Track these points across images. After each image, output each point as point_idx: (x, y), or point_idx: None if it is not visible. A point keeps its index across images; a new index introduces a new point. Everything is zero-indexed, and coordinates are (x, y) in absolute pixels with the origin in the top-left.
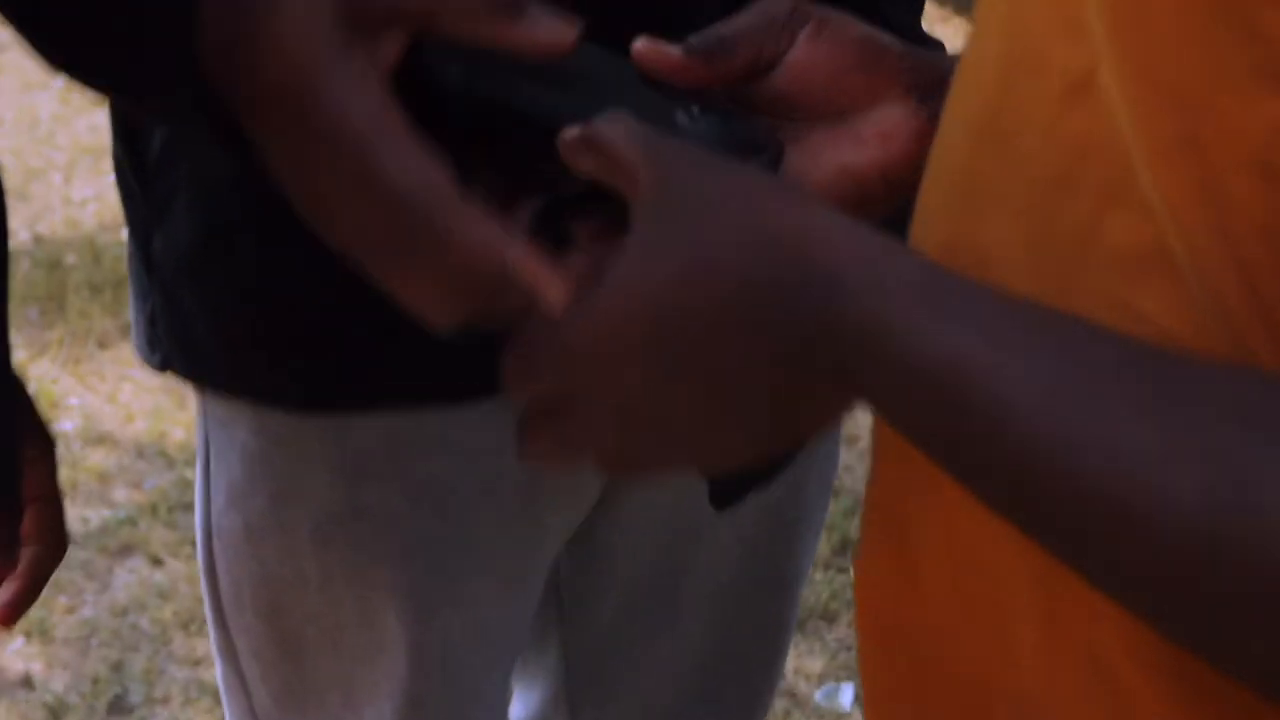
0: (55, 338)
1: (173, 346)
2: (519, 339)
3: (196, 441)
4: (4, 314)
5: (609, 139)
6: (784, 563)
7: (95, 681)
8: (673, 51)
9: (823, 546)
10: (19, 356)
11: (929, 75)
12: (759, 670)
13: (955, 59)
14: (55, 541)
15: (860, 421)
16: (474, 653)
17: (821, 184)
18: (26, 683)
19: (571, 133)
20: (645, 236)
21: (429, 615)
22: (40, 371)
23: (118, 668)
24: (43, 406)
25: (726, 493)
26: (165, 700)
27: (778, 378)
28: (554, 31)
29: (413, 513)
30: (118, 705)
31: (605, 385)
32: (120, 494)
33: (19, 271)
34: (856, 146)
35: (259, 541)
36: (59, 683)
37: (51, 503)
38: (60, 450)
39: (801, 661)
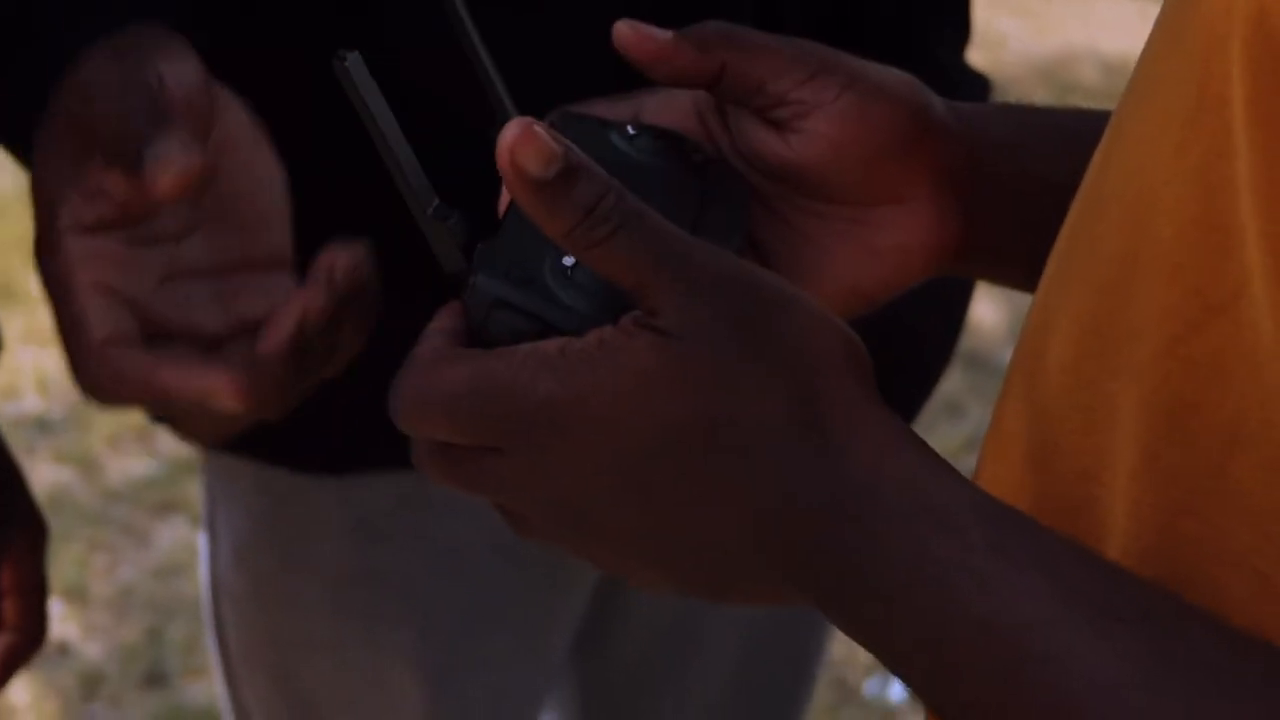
0: None
1: None
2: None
3: (200, 493)
4: None
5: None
6: None
7: (131, 650)
8: (658, 35)
9: None
10: None
11: (970, 157)
12: (789, 699)
13: (1002, 113)
14: (34, 632)
15: None
16: (494, 715)
17: (825, 297)
18: (62, 650)
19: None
20: (672, 327)
21: (446, 679)
22: None
23: (155, 635)
24: None
25: None
26: (202, 671)
27: (730, 545)
28: (179, 165)
29: (426, 575)
30: (153, 676)
31: (553, 460)
32: (163, 446)
33: None
34: (871, 262)
35: (268, 601)
36: (95, 650)
37: (34, 594)
38: None
39: (850, 652)
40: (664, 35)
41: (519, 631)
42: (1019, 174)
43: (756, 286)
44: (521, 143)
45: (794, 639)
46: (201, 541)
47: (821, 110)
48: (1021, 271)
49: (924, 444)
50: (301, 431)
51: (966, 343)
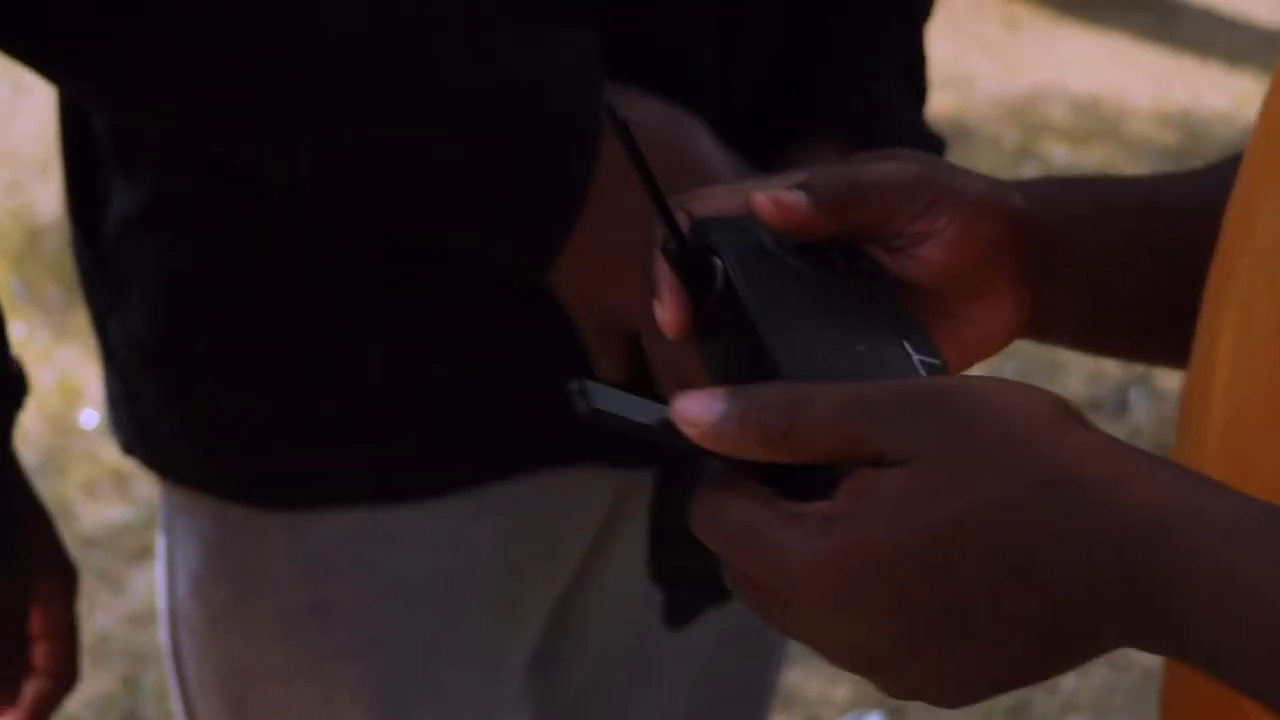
0: (77, 322)
1: (133, 433)
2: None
3: (159, 522)
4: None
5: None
6: (759, 632)
7: (108, 697)
8: (797, 204)
9: None
10: (42, 337)
11: (1043, 243)
12: None
13: (1060, 189)
14: (66, 676)
15: None
16: None
17: None
18: None
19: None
20: (915, 477)
21: (398, 713)
22: (64, 358)
23: (131, 683)
24: (61, 397)
25: (682, 612)
26: None
27: (1047, 629)
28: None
29: (377, 608)
30: None
31: (835, 618)
32: (140, 492)
33: (46, 249)
34: (956, 352)
35: (223, 631)
36: (71, 697)
37: (66, 637)
38: (78, 445)
39: (825, 688)
40: (800, 203)
41: (473, 664)
42: (1076, 246)
43: (941, 390)
44: (692, 415)
45: (745, 667)
46: (159, 573)
47: (934, 239)
48: (1073, 331)
49: (1165, 460)
50: (256, 467)
51: None
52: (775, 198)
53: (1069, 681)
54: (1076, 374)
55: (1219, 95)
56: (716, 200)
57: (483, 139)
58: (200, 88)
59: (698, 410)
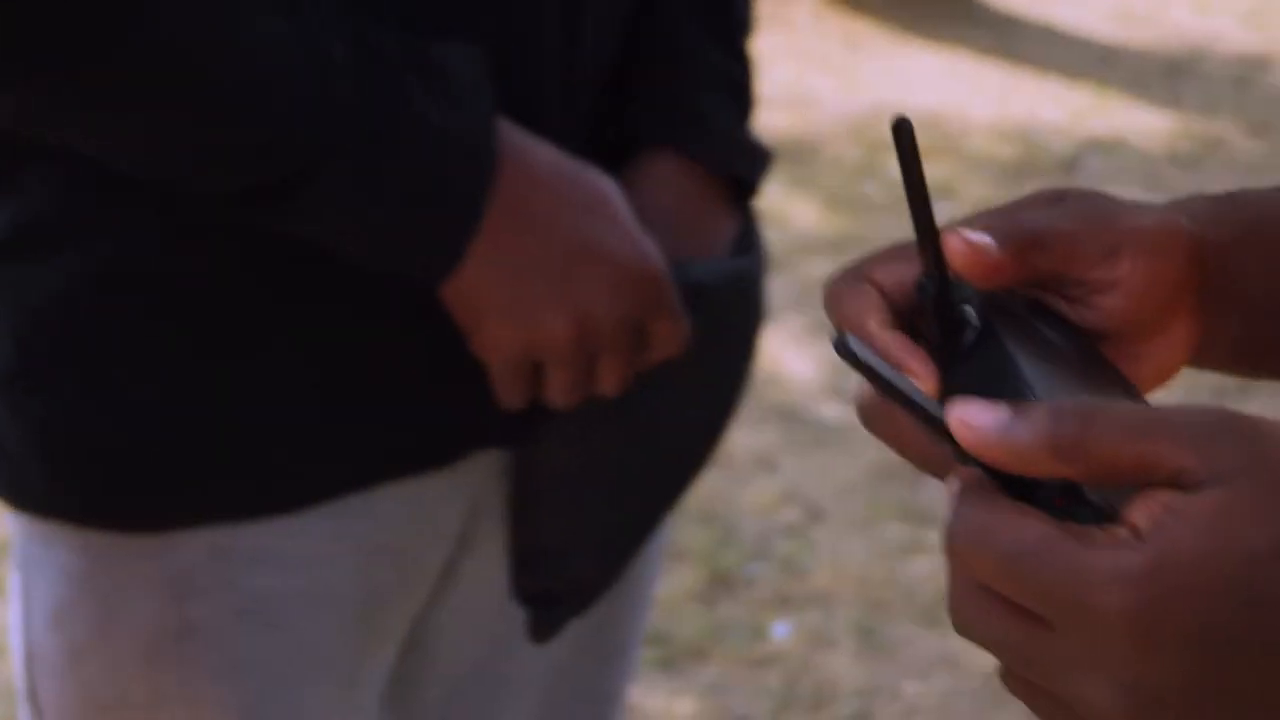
0: None
1: None
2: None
3: (11, 559)
4: None
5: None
6: (612, 633)
7: None
8: (989, 251)
9: (694, 579)
10: None
11: (1214, 283)
12: None
13: (1215, 204)
14: None
15: (733, 440)
16: None
17: None
18: None
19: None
20: (1233, 500)
21: None
22: None
23: None
24: None
25: (547, 625)
26: None
27: None
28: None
29: (240, 629)
30: None
31: (1128, 646)
32: None
33: None
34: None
35: (83, 663)
36: None
37: None
38: None
39: (671, 703)
40: (992, 247)
41: (333, 684)
42: (1239, 267)
43: (1230, 416)
44: (974, 419)
45: (598, 670)
46: (14, 613)
47: (1116, 286)
48: (1233, 354)
49: None
50: (118, 491)
51: (780, 396)
52: (968, 239)
53: (911, 687)
54: None
55: (1056, 109)
56: (890, 263)
57: (381, 159)
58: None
59: (980, 417)
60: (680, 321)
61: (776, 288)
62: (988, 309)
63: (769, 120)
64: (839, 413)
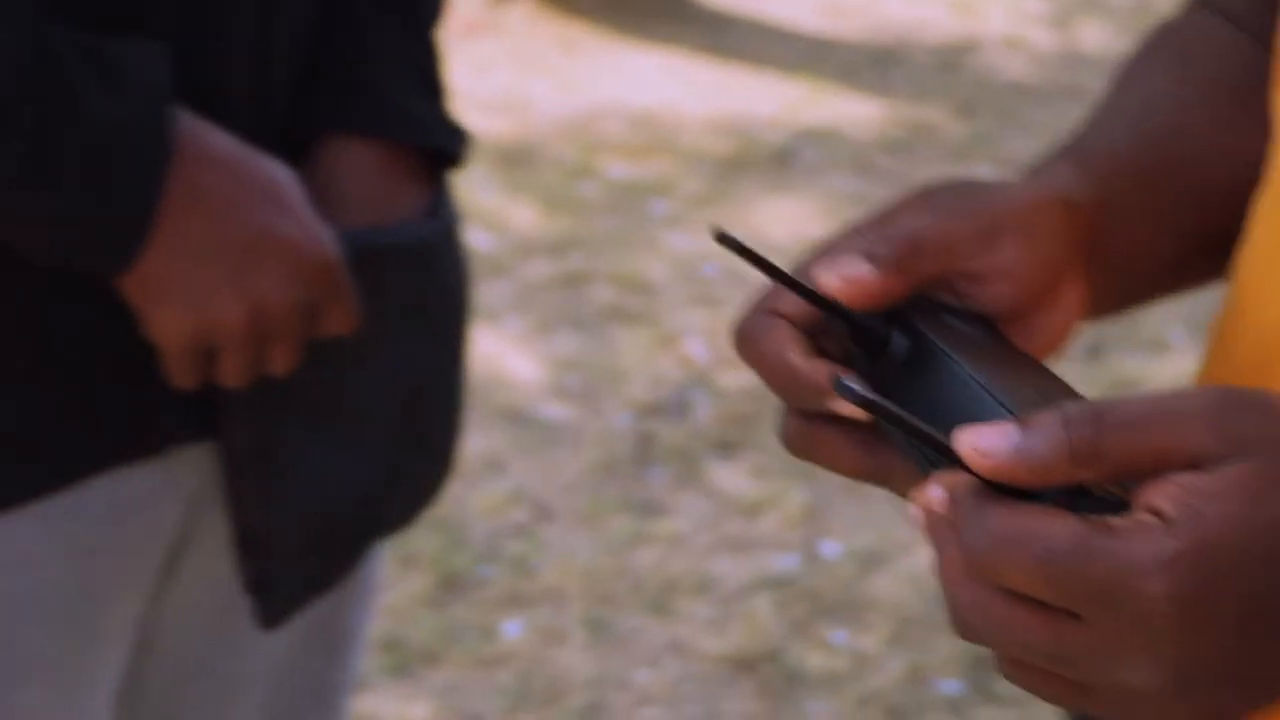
0: None
1: None
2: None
3: None
4: None
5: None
6: (337, 625)
7: None
8: (866, 276)
9: (425, 583)
10: None
11: (1097, 243)
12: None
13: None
14: None
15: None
16: None
17: None
18: None
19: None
20: (1261, 472)
21: None
22: None
23: None
24: None
25: (271, 610)
26: None
27: None
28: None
29: None
30: None
31: (1175, 629)
32: None
33: None
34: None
35: None
36: None
37: None
38: None
39: (404, 708)
40: (870, 274)
41: (51, 687)
42: (1120, 224)
43: (1228, 391)
44: (986, 446)
45: (323, 661)
46: None
47: (1002, 271)
48: (1111, 304)
49: None
50: None
51: (504, 398)
52: (842, 275)
53: (642, 676)
54: (636, 379)
55: (770, 102)
56: (788, 294)
57: (48, 151)
58: None
59: (992, 440)
60: (352, 304)
61: (498, 290)
62: (905, 318)
63: (486, 125)
64: (562, 412)
